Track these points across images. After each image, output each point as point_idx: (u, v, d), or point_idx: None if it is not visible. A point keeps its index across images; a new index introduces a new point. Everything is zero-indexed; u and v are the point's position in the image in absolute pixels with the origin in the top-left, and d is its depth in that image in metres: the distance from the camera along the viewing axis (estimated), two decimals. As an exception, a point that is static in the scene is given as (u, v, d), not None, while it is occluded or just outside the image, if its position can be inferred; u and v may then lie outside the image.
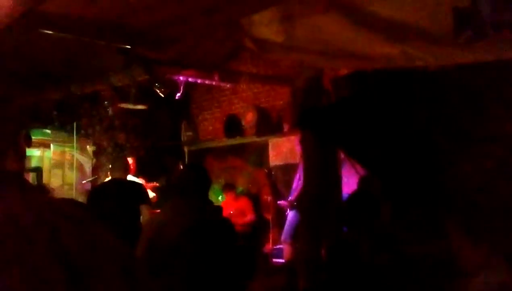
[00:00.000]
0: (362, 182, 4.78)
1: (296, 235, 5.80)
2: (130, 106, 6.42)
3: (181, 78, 6.59)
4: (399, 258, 3.23)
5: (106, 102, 6.67)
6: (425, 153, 3.31)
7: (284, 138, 7.83)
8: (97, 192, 5.34)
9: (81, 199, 7.17)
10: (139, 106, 6.45)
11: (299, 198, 5.81)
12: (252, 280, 2.91)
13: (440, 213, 2.62)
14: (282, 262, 6.55)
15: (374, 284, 2.75)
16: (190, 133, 9.18)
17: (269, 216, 7.97)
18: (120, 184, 5.08)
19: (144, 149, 8.69)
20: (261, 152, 8.25)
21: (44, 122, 7.48)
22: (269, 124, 8.29)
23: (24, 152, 1.42)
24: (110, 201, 4.79)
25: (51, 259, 0.52)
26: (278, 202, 6.87)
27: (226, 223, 2.86)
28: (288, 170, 7.34)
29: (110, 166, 5.48)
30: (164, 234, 2.58)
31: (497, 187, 2.45)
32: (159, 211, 3.93)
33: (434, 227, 2.92)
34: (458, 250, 2.02)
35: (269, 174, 6.45)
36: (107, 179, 5.59)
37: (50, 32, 4.73)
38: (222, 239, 2.69)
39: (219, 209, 3.55)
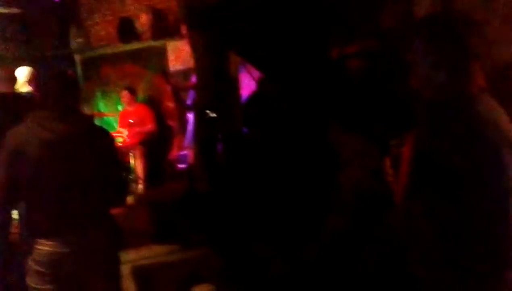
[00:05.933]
0: (260, 84, 4.68)
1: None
2: (1, 9, 5.67)
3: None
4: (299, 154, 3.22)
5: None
6: (317, 51, 3.20)
7: (183, 42, 7.42)
8: None
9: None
10: (11, 10, 5.72)
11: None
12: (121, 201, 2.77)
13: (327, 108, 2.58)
14: (185, 167, 6.50)
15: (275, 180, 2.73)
16: (80, 39, 8.45)
17: (173, 123, 7.77)
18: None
19: (29, 59, 7.90)
20: (160, 56, 7.87)
21: None
22: (166, 27, 7.83)
23: None
24: None
25: None
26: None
27: (98, 132, 2.63)
28: (190, 74, 7.07)
29: None
30: (26, 150, 2.30)
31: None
32: None
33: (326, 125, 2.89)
34: (336, 140, 2.02)
35: (166, 78, 6.08)
36: None
37: None
38: (92, 149, 2.47)
39: (88, 117, 3.27)
